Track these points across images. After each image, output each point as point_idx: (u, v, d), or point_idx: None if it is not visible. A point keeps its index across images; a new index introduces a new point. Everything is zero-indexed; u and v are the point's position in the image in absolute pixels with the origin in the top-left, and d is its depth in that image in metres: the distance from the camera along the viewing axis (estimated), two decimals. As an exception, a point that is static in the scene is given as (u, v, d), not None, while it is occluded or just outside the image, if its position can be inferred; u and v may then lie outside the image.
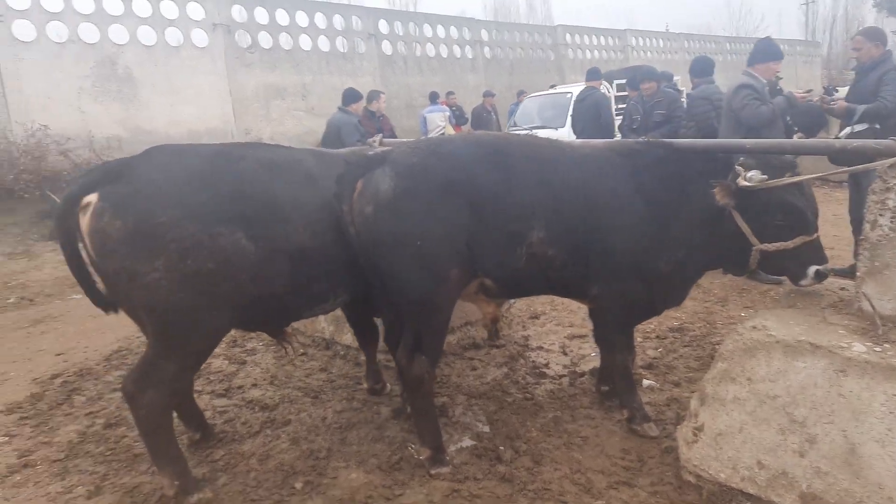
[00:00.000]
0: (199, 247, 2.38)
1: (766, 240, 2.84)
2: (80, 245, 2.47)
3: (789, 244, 2.82)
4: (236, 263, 2.47)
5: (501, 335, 4.56)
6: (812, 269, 2.85)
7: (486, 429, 3.28)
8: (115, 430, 3.42)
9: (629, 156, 3.06)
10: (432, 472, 2.87)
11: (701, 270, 3.21)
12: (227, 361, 4.35)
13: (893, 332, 2.42)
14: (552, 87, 15.21)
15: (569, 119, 11.41)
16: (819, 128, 6.59)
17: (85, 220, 2.38)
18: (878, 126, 4.76)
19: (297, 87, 14.32)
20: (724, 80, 7.62)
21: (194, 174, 2.50)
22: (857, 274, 2.62)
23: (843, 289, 2.94)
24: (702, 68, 6.91)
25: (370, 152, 2.95)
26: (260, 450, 3.15)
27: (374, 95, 9.03)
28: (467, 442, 3.15)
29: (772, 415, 2.41)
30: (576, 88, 12.34)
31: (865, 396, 2.20)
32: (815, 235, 2.88)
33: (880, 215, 2.52)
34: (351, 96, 8.13)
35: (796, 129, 6.47)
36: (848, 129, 4.87)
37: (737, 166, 2.84)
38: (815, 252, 2.88)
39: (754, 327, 2.61)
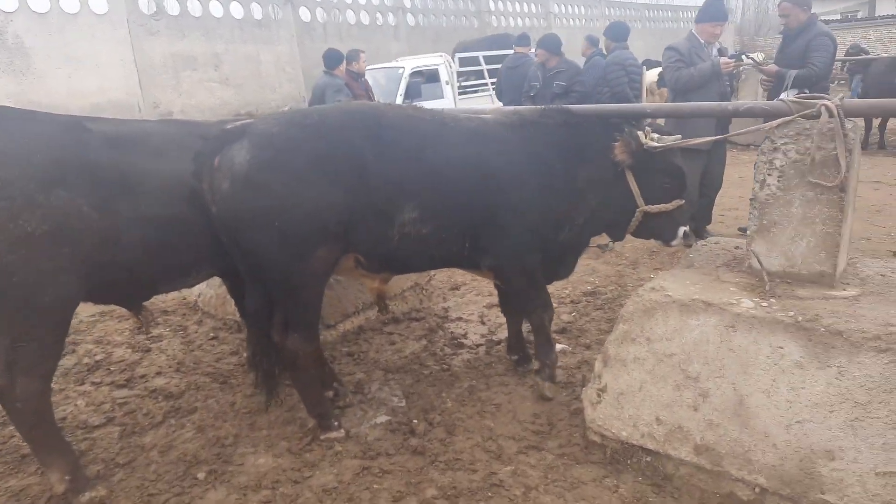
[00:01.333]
0: (32, 208, 2.25)
1: (650, 202, 2.96)
2: None
3: (669, 206, 2.96)
4: (77, 228, 2.37)
5: (419, 308, 4.53)
6: (682, 230, 3.05)
7: (402, 403, 3.24)
8: (2, 430, 3.17)
9: (523, 126, 2.96)
10: (322, 437, 2.92)
11: (590, 237, 3.23)
12: (129, 350, 4.10)
13: (779, 287, 2.52)
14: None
15: (399, 97, 10.77)
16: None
17: None
18: (806, 91, 4.76)
19: (208, 56, 13.55)
20: (642, 47, 7.70)
21: (32, 137, 2.37)
22: (748, 232, 2.71)
23: (737, 248, 3.05)
24: (616, 33, 6.97)
25: (229, 125, 2.72)
26: (162, 441, 3.00)
27: (353, 56, 8.14)
28: (382, 418, 3.11)
29: (669, 372, 2.48)
30: (408, 62, 11.61)
31: (752, 350, 2.29)
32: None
33: (768, 175, 2.59)
34: (332, 58, 7.56)
35: None
36: (785, 95, 4.89)
37: (646, 127, 2.92)
38: (685, 214, 3.09)
39: (653, 288, 2.66)
